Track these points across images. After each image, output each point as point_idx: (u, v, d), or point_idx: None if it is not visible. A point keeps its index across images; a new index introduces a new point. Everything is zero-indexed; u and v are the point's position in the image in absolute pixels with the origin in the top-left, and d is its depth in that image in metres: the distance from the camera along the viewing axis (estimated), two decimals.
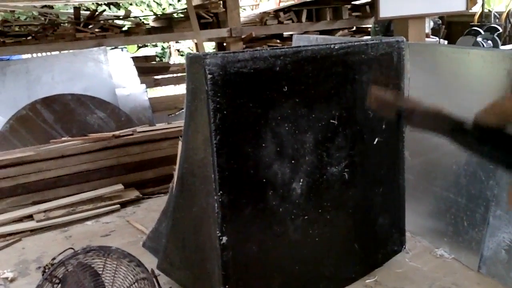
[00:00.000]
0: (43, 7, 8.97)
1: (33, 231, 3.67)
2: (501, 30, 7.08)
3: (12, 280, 3.01)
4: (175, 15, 7.47)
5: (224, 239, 2.12)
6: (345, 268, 2.69)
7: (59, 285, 2.22)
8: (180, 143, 2.51)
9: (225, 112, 2.04)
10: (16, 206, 3.90)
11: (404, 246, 2.93)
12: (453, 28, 7.98)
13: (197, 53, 2.46)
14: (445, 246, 2.97)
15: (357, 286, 2.70)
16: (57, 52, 5.97)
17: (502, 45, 6.74)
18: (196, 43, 6.77)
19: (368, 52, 2.48)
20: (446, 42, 7.17)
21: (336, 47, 2.35)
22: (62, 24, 6.60)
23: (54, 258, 2.44)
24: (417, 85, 3.14)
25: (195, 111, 2.18)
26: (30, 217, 3.82)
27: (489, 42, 6.37)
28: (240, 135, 2.12)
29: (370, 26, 7.38)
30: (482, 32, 6.67)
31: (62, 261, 2.24)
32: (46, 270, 2.31)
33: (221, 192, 2.08)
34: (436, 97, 3.02)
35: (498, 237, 2.65)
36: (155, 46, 12.84)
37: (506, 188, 2.60)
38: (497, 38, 6.56)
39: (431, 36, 7.08)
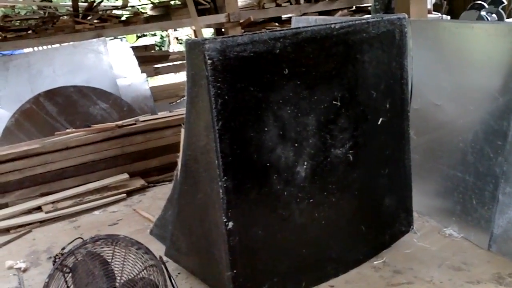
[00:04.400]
0: (42, 0, 8.94)
1: (42, 222, 3.70)
2: (505, 2, 6.97)
3: (24, 270, 3.04)
4: (172, 2, 7.41)
5: (230, 224, 2.12)
6: (352, 250, 2.68)
7: (70, 274, 2.24)
8: (182, 130, 2.50)
9: (226, 97, 2.02)
10: (25, 198, 3.94)
11: (412, 227, 2.91)
12: (456, 3, 7.89)
13: (196, 38, 2.44)
14: (454, 225, 2.95)
15: (365, 268, 2.69)
16: (57, 45, 5.96)
17: (507, 18, 6.65)
18: (194, 30, 6.73)
19: (369, 30, 2.45)
20: (449, 17, 7.09)
21: (336, 27, 2.32)
22: (61, 17, 6.57)
23: (63, 248, 2.46)
24: (420, 63, 3.11)
25: (196, 97, 2.16)
26: (38, 208, 3.86)
27: (494, 15, 6.28)
28: (242, 120, 2.10)
29: (370, 4, 7.30)
30: (486, 6, 6.57)
31: (71, 251, 2.26)
32: (57, 260, 2.33)
33: (225, 177, 2.07)
34: (440, 74, 3.00)
35: (508, 214, 2.62)
36: (154, 35, 12.81)
37: None
38: (501, 11, 6.47)
39: (433, 12, 7.01)
